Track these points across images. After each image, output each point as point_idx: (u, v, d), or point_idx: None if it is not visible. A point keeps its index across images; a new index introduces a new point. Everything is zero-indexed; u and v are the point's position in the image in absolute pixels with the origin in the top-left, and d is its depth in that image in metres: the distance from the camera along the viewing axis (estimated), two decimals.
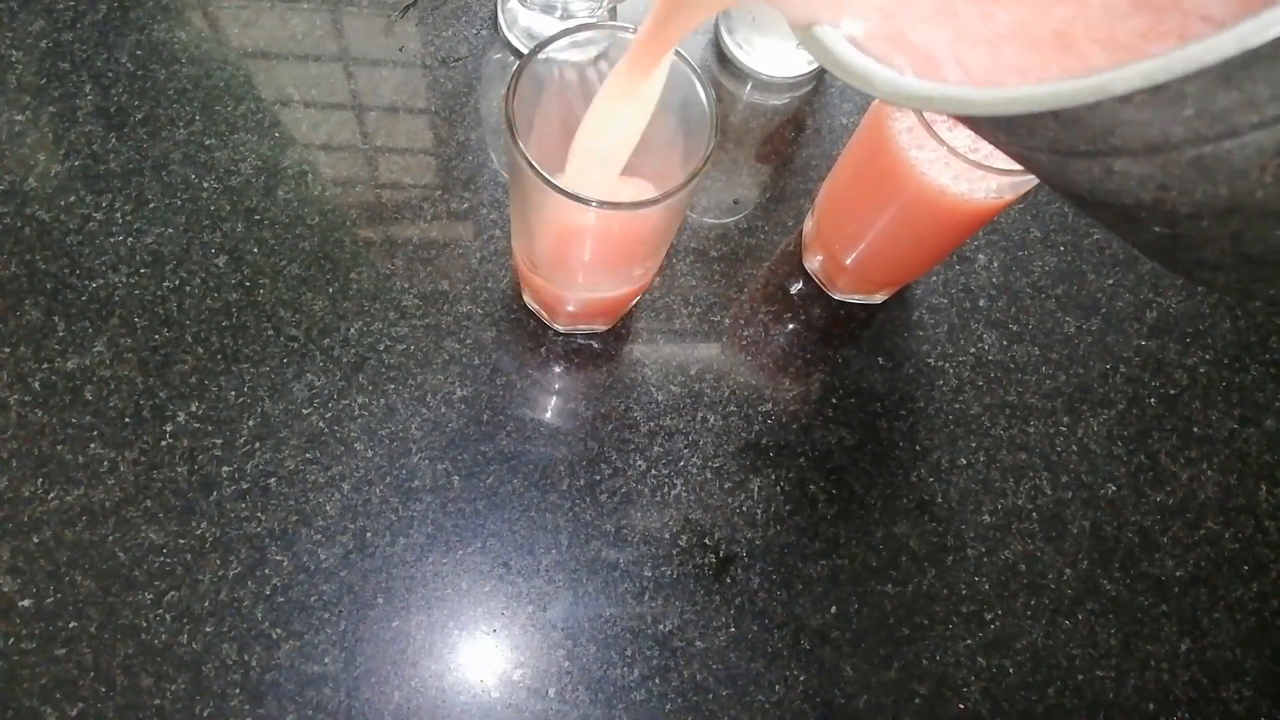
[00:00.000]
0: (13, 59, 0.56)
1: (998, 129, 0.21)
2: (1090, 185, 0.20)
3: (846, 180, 0.52)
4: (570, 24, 0.58)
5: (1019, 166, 0.43)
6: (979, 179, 0.42)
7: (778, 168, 0.61)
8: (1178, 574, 0.55)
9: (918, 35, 0.22)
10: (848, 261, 0.54)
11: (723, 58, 0.63)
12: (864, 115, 0.50)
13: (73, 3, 0.58)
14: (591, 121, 0.38)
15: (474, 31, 0.61)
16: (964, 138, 0.44)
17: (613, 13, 0.61)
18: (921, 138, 0.42)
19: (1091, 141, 0.19)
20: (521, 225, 0.46)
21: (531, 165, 0.38)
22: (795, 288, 0.58)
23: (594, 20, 0.60)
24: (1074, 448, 0.57)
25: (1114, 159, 0.19)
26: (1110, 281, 0.61)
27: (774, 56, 0.61)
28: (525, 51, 0.59)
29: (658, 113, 0.38)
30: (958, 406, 0.57)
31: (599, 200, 0.38)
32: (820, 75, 0.64)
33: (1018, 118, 0.19)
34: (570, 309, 0.52)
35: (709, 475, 0.53)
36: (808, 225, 0.58)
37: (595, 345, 0.56)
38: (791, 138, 0.62)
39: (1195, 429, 0.59)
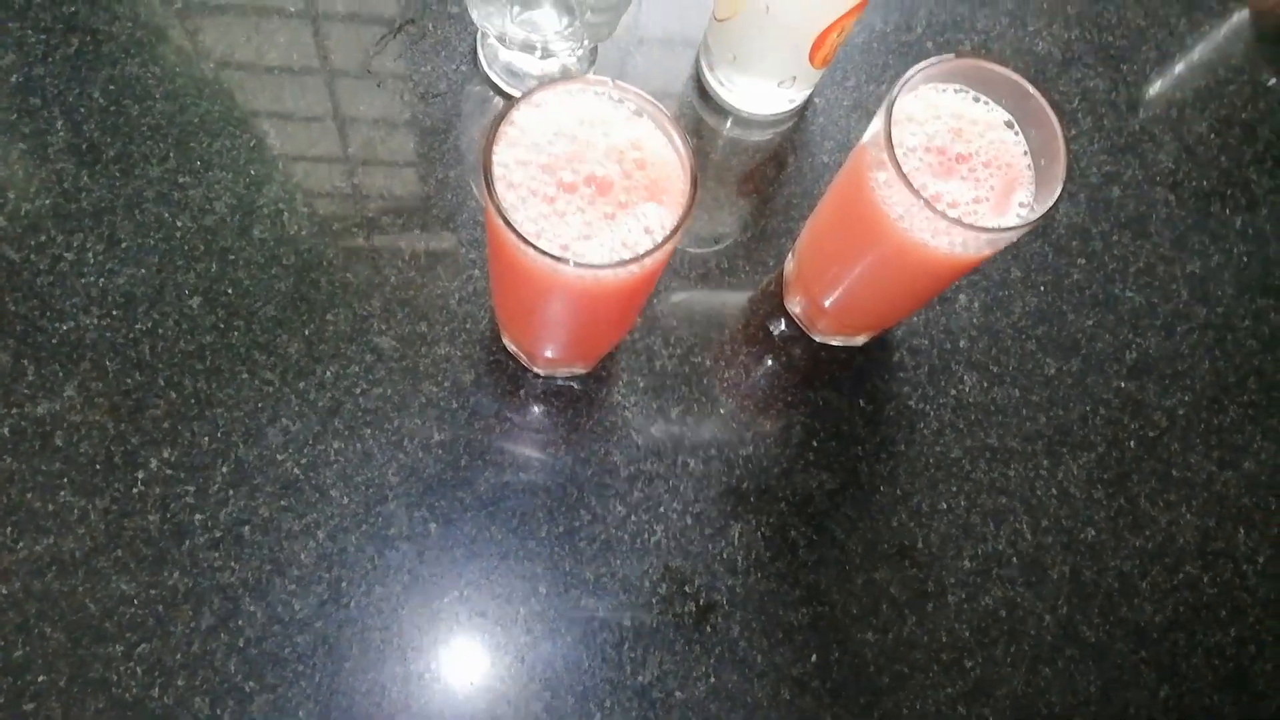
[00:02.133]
0: None
1: None
2: None
3: (826, 227, 0.51)
4: (550, 64, 0.57)
5: (999, 224, 0.43)
6: (958, 235, 0.42)
7: (759, 205, 0.61)
8: (1156, 619, 0.55)
9: None
10: (828, 305, 0.54)
11: (704, 94, 0.63)
12: (845, 162, 0.50)
13: (44, 36, 0.57)
14: None
15: (453, 67, 0.60)
16: (950, 191, 0.44)
17: (593, 53, 0.60)
18: (901, 192, 0.42)
19: None
20: (498, 274, 0.46)
21: (510, 224, 0.37)
22: (776, 329, 0.58)
23: (574, 64, 0.60)
24: (1054, 491, 0.57)
25: None
26: (1090, 322, 0.61)
27: (754, 94, 0.61)
28: (505, 88, 0.59)
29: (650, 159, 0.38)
30: (938, 449, 0.57)
31: (575, 261, 0.37)
32: (802, 112, 0.63)
33: None
34: (549, 354, 0.52)
35: (689, 521, 0.53)
36: (789, 266, 0.58)
37: (575, 387, 0.55)
38: (773, 175, 0.62)
39: (1174, 472, 0.59)
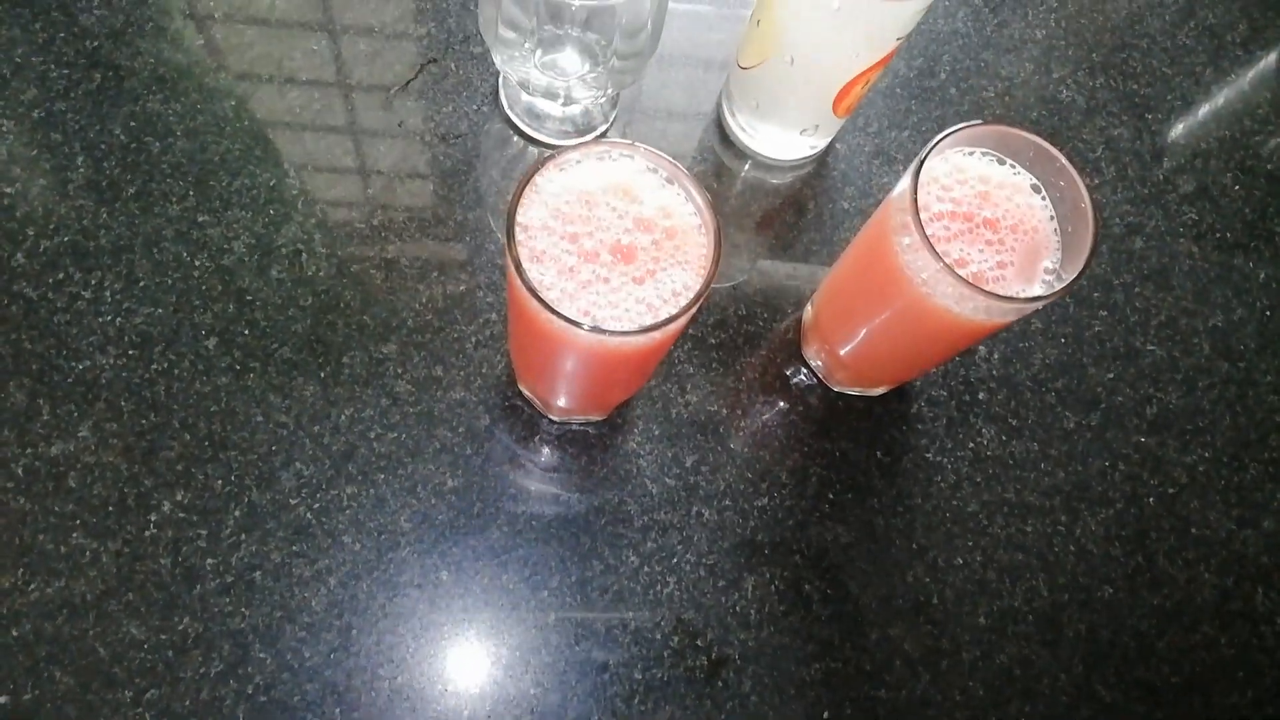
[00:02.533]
0: (3, 129, 0.55)
1: None
2: None
3: (848, 282, 0.51)
4: (573, 108, 0.57)
5: (1025, 292, 0.43)
6: (983, 302, 0.41)
7: (778, 251, 0.61)
8: (1173, 680, 0.54)
9: None
10: (846, 358, 0.54)
11: (725, 137, 0.63)
12: (870, 219, 0.49)
13: (67, 71, 0.57)
14: None
15: (474, 108, 0.60)
16: (976, 255, 0.44)
17: (614, 100, 0.60)
18: (925, 258, 0.41)
19: None
20: (516, 328, 0.45)
21: (531, 289, 0.37)
22: (794, 378, 0.58)
23: (596, 109, 0.59)
24: (1071, 548, 0.56)
25: None
26: (1110, 375, 0.60)
27: (776, 140, 0.60)
28: (527, 130, 0.59)
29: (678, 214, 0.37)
30: (955, 503, 0.56)
31: (591, 326, 0.37)
32: (823, 158, 0.63)
33: None
34: (564, 404, 0.51)
35: (702, 573, 0.52)
36: (807, 314, 0.58)
37: (591, 433, 0.55)
38: (792, 221, 0.62)
39: (1193, 529, 0.58)
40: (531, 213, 0.40)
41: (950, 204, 0.45)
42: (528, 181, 0.39)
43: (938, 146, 0.43)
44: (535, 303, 0.37)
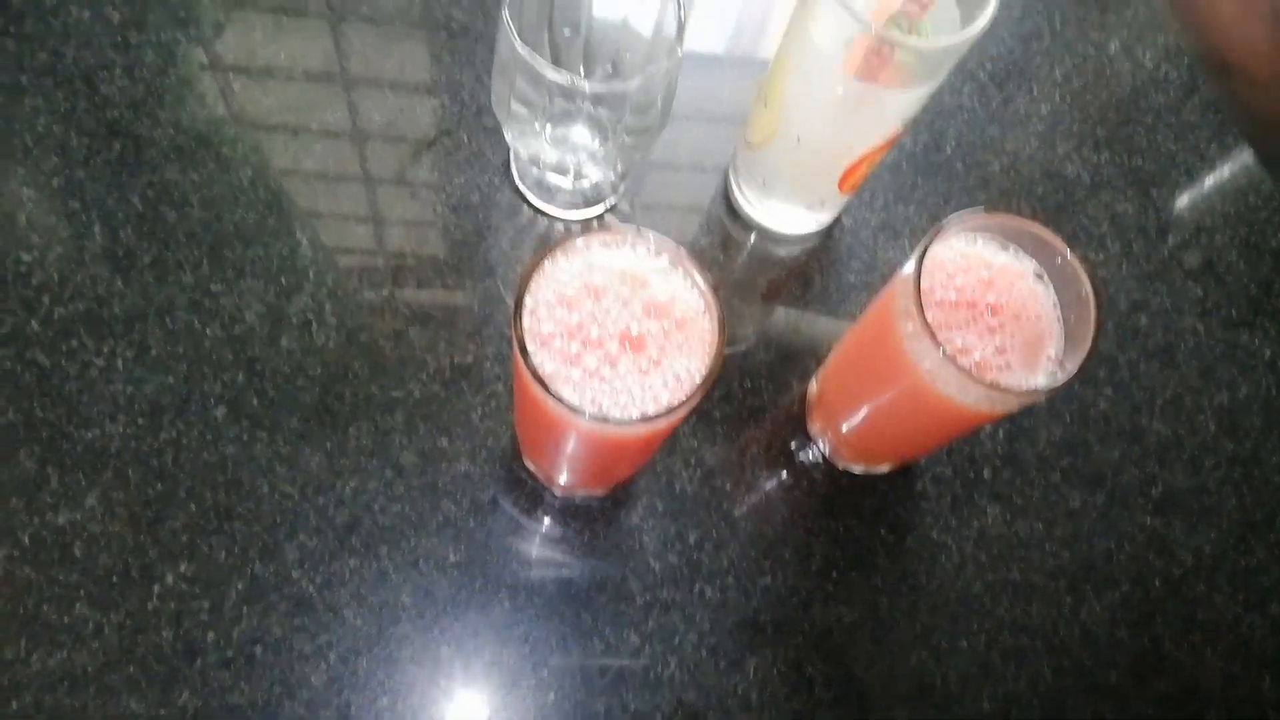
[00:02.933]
0: (24, 196, 0.56)
1: None
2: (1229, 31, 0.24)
3: (852, 363, 0.51)
4: (582, 181, 0.58)
5: (1028, 384, 0.43)
6: (984, 392, 0.41)
7: (784, 324, 0.61)
8: None
9: None
10: (851, 438, 0.54)
11: (731, 209, 0.63)
12: (874, 300, 0.50)
13: (87, 140, 0.58)
14: None
15: (486, 179, 0.61)
16: (979, 342, 0.44)
17: (623, 176, 0.61)
18: (927, 346, 0.42)
19: None
20: (521, 406, 0.46)
21: (538, 377, 0.37)
22: (799, 453, 0.58)
23: (606, 183, 0.60)
24: (1076, 631, 0.56)
25: None
26: (1116, 454, 0.60)
27: (782, 215, 0.61)
28: (536, 202, 0.60)
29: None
30: (960, 584, 0.56)
31: (590, 414, 0.37)
32: (829, 231, 0.63)
33: None
34: (566, 480, 0.52)
35: (704, 654, 0.52)
36: (812, 390, 0.58)
37: (594, 507, 0.55)
38: (798, 294, 0.62)
39: (1200, 613, 0.58)
40: (539, 297, 0.40)
41: (954, 291, 0.45)
42: (536, 266, 0.40)
43: (941, 233, 0.43)
44: (539, 388, 0.37)
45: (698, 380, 0.39)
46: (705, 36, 0.70)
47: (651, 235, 0.41)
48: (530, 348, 0.39)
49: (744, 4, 0.72)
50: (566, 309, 0.40)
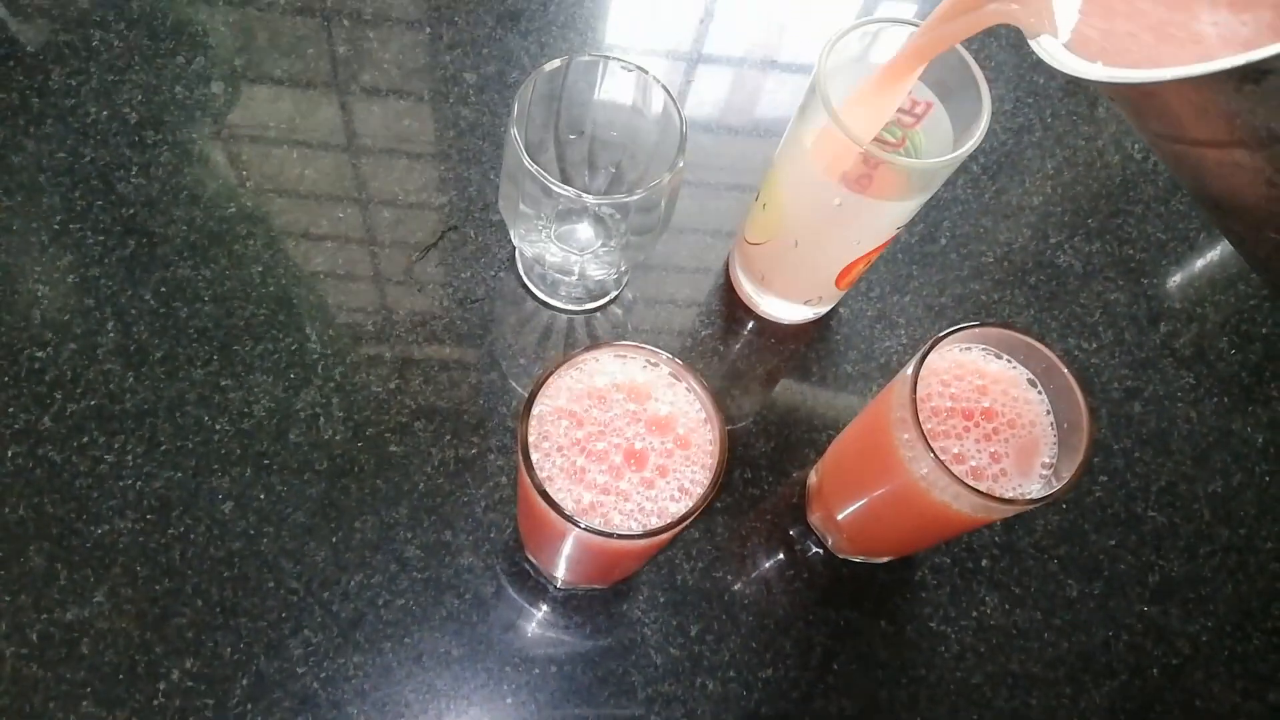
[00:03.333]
0: (39, 294, 0.57)
1: (1155, 117, 0.27)
2: (1221, 182, 0.26)
3: (850, 463, 0.52)
4: (588, 281, 0.59)
5: (1022, 493, 0.44)
6: (979, 501, 0.42)
7: (783, 415, 0.62)
8: None
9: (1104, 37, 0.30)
10: (849, 532, 0.54)
11: (732, 299, 0.65)
12: (872, 404, 0.51)
13: (103, 238, 0.59)
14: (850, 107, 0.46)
15: (492, 273, 0.62)
16: (973, 450, 0.45)
17: (626, 272, 0.62)
18: (923, 454, 0.43)
19: (1217, 129, 0.24)
20: (524, 509, 0.47)
21: (540, 489, 0.38)
22: (798, 544, 0.58)
23: (609, 281, 0.61)
24: None
25: (1235, 150, 0.24)
26: (1112, 542, 0.61)
27: (779, 307, 0.62)
28: (542, 296, 0.61)
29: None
30: (959, 674, 0.56)
31: (589, 525, 0.38)
32: (827, 321, 0.65)
33: (1169, 102, 0.25)
34: (567, 576, 0.52)
35: None
36: (812, 480, 0.59)
37: (596, 599, 0.55)
38: (797, 384, 0.63)
39: (1198, 702, 0.58)
40: (545, 407, 0.41)
41: (949, 400, 0.46)
42: (544, 380, 0.41)
43: (936, 346, 0.44)
44: (543, 501, 0.38)
45: (699, 492, 0.40)
46: (707, 110, 0.72)
47: (659, 352, 0.42)
48: (535, 458, 0.40)
49: (741, 88, 0.75)
50: (572, 421, 0.41)
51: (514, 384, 0.60)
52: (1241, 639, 0.60)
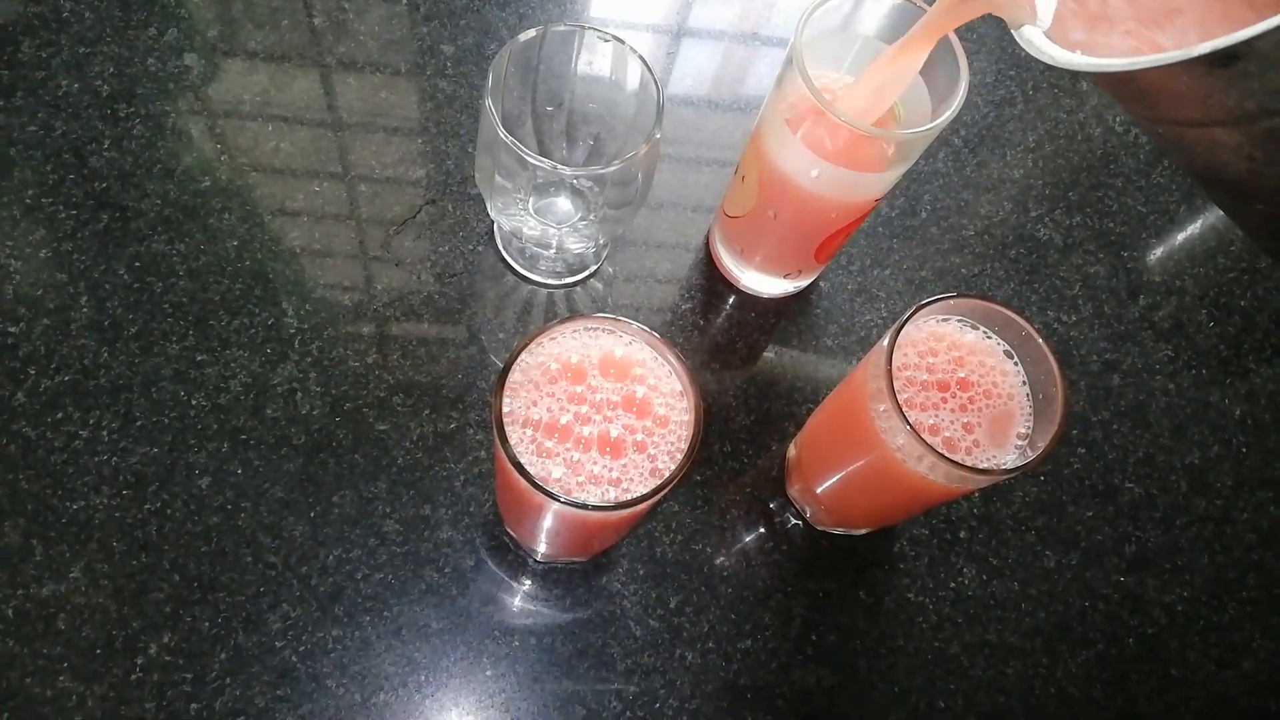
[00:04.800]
0: (11, 269, 0.57)
1: (1135, 100, 0.28)
2: (1204, 158, 0.27)
3: (827, 436, 0.52)
4: (566, 255, 0.59)
5: (997, 463, 0.44)
6: (954, 471, 0.42)
7: (762, 388, 0.62)
8: None
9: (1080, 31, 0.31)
10: (827, 504, 0.55)
11: (713, 273, 0.65)
12: (848, 376, 0.51)
13: (75, 212, 0.59)
14: (863, 81, 0.47)
15: (470, 247, 0.62)
16: (949, 420, 0.45)
17: (604, 246, 0.62)
18: (898, 425, 0.43)
19: (1195, 110, 0.25)
20: (503, 483, 0.46)
21: (514, 461, 0.38)
22: (778, 517, 0.59)
23: (588, 253, 0.61)
24: (1053, 690, 0.57)
25: (1214, 129, 0.25)
26: (1090, 513, 0.61)
27: (760, 280, 0.62)
28: (520, 270, 0.61)
29: None
30: (937, 645, 0.57)
31: (565, 498, 0.38)
32: (807, 295, 0.65)
33: (1147, 87, 0.26)
34: (546, 550, 0.52)
35: (685, 719, 0.53)
36: (791, 454, 0.59)
37: (576, 572, 0.55)
38: (775, 358, 0.63)
39: (1174, 671, 0.58)
40: (521, 379, 0.41)
41: (925, 372, 0.46)
42: (518, 353, 0.41)
43: (913, 317, 0.44)
44: (518, 474, 0.38)
45: (674, 465, 0.40)
46: (689, 84, 0.71)
47: (634, 324, 0.42)
48: (510, 430, 0.40)
49: (727, 62, 0.74)
50: (548, 394, 0.41)
51: (493, 358, 0.60)
52: (1217, 609, 0.60)
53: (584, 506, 0.39)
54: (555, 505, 0.39)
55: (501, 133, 0.47)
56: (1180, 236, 0.72)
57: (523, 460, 0.39)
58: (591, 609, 0.55)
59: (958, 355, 0.47)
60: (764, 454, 0.60)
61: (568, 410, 0.41)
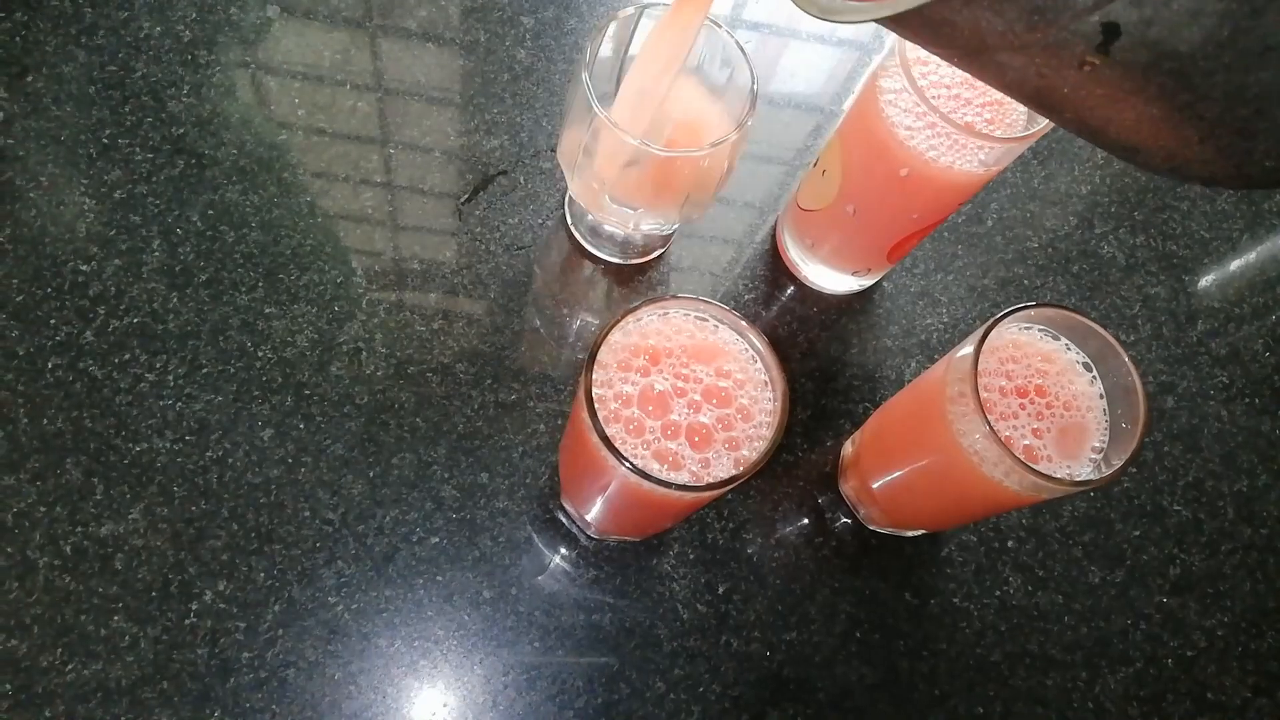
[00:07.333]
0: (85, 206, 0.57)
1: (927, 34, 0.26)
2: (1019, 88, 0.26)
3: (894, 434, 0.52)
4: (637, 236, 0.59)
5: (1072, 474, 0.44)
6: (1029, 479, 0.42)
7: (820, 384, 0.62)
8: None
9: None
10: (885, 503, 0.55)
11: (777, 265, 0.65)
12: (923, 378, 0.51)
13: (151, 155, 0.59)
14: (638, 66, 0.46)
15: (539, 221, 0.62)
16: (1025, 430, 0.45)
17: (672, 232, 0.62)
18: (978, 429, 0.43)
19: (975, 40, 0.24)
20: (572, 456, 0.47)
21: (603, 436, 0.38)
22: (828, 513, 0.59)
23: (659, 232, 0.61)
24: (1090, 705, 0.57)
25: (999, 54, 0.25)
26: (1137, 533, 0.61)
27: (825, 276, 0.62)
28: (588, 247, 0.61)
29: None
30: (979, 651, 0.57)
31: (655, 476, 0.38)
32: (870, 294, 0.65)
33: (939, 20, 0.25)
34: (604, 525, 0.52)
35: (727, 705, 0.53)
36: (847, 451, 0.59)
37: (627, 551, 0.56)
38: (836, 354, 0.63)
39: (1209, 694, 0.59)
40: (610, 358, 0.41)
41: (1004, 379, 0.46)
42: (612, 326, 0.41)
43: (999, 322, 0.44)
44: (605, 448, 0.38)
45: (756, 454, 0.40)
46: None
47: (726, 309, 0.42)
48: (598, 408, 0.40)
49: (809, 61, 0.74)
50: (635, 372, 0.41)
51: (557, 333, 0.60)
52: (1256, 636, 0.61)
53: (667, 484, 0.39)
54: (632, 479, 0.39)
55: (597, 108, 0.47)
56: (1241, 263, 0.72)
57: (610, 436, 0.39)
58: (641, 589, 0.55)
59: (1039, 367, 0.47)
60: (817, 449, 0.60)
61: (653, 388, 0.41)
